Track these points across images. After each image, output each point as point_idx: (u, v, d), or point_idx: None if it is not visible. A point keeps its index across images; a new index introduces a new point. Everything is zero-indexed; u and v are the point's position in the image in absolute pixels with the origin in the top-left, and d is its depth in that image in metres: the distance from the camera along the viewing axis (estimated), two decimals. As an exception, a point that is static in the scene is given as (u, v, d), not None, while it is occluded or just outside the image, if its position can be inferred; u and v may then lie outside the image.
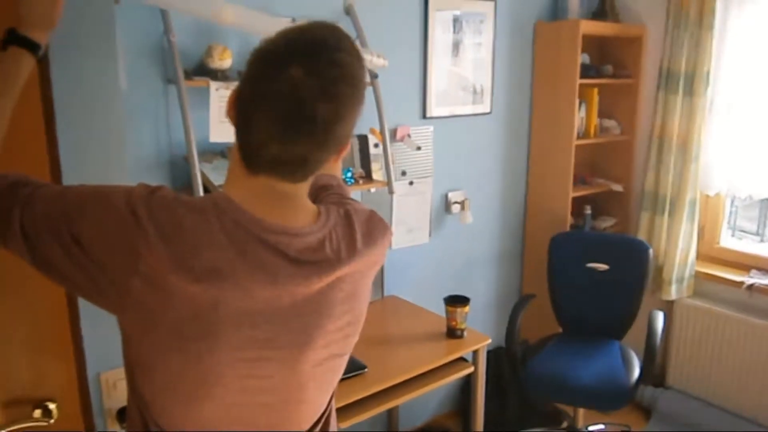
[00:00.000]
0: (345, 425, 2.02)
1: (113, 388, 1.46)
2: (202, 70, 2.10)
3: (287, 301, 1.00)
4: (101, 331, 1.40)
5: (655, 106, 3.23)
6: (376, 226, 1.15)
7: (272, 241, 0.97)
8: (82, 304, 1.37)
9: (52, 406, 1.36)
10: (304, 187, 1.05)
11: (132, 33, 2.03)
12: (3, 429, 1.30)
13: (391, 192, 2.48)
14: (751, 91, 2.99)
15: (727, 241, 3.38)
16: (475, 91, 3.09)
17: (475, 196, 3.21)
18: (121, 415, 1.47)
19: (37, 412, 1.35)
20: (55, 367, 1.37)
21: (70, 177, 1.31)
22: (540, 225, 3.42)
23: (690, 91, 3.07)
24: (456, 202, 3.11)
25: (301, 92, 0.91)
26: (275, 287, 0.98)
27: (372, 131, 2.56)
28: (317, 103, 0.91)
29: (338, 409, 1.97)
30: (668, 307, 3.31)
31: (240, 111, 0.98)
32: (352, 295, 1.14)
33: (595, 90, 3.29)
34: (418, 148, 2.89)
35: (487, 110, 3.16)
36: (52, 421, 1.36)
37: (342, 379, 2.07)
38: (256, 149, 0.97)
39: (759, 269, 3.17)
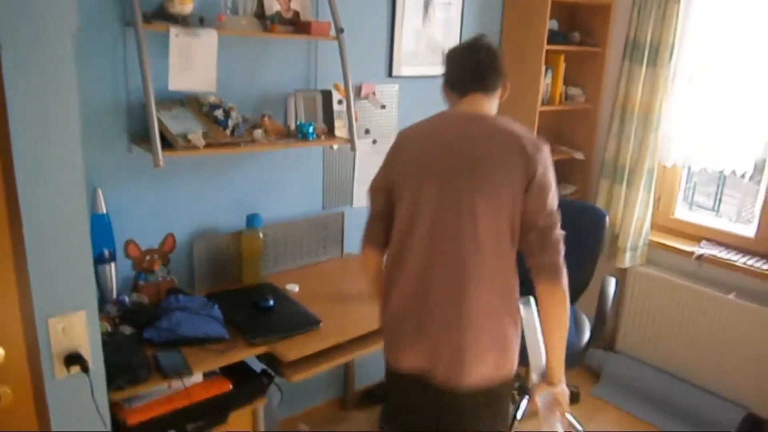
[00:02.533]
0: (300, 377, 2.04)
1: (62, 333, 1.43)
2: (162, 14, 2.03)
3: None
4: (50, 272, 1.38)
5: (619, 76, 3.26)
6: None
7: None
8: (30, 244, 1.34)
9: (-3, 349, 1.35)
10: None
11: (88, -29, 1.96)
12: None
13: (353, 149, 2.47)
14: (712, 65, 3.03)
15: (682, 213, 3.47)
16: (443, 52, 3.05)
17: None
18: (70, 360, 1.46)
19: (-19, 353, 1.33)
20: (1, 310, 1.34)
21: (18, 122, 1.26)
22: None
23: (654, 62, 3.10)
24: (419, 163, 3.10)
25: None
26: None
27: (336, 87, 2.53)
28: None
29: (294, 362, 2.00)
30: (621, 275, 3.40)
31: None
32: None
33: (562, 57, 3.30)
34: (383, 107, 2.87)
35: (454, 72, 3.14)
36: (-3, 363, 1.34)
37: (297, 333, 2.10)
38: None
39: (709, 240, 3.26)
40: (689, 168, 3.33)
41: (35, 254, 1.35)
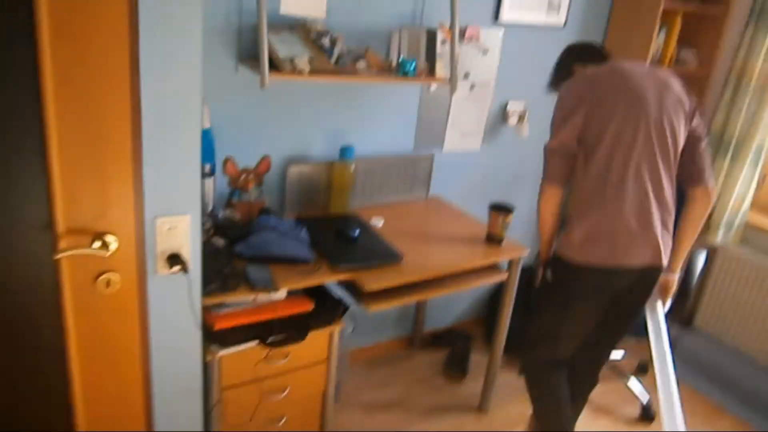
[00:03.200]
0: (378, 308, 2.09)
1: (167, 233, 1.53)
2: (281, -63, 2.05)
3: None
4: (162, 176, 1.47)
5: (740, 42, 3.06)
6: None
7: None
8: (147, 148, 1.42)
9: (110, 239, 1.45)
10: None
11: None
12: (64, 252, 1.39)
13: (453, 90, 2.45)
14: None
15: (787, 194, 3.28)
16: (550, 3, 2.95)
17: (535, 110, 3.14)
18: (172, 260, 1.55)
19: (97, 244, 1.44)
20: (117, 205, 1.44)
21: (146, 25, 1.32)
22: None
23: (782, 29, 2.88)
24: (514, 113, 3.05)
25: None
26: None
27: (441, 27, 2.50)
28: None
29: (373, 293, 2.05)
30: (712, 251, 3.27)
31: None
32: None
33: (679, 16, 3.12)
34: (485, 52, 2.82)
35: (562, 22, 3.03)
36: (108, 254, 1.45)
37: (379, 265, 2.15)
38: None
39: (814, 226, 3.08)
40: (803, 148, 3.12)
41: (151, 159, 1.44)
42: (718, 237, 3.19)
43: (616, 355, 3.22)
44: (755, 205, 3.23)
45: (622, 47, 3.15)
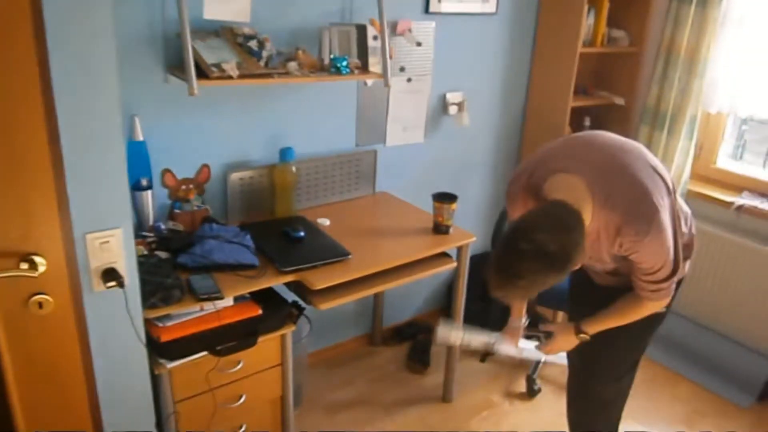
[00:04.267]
0: (327, 305, 2.09)
1: (99, 248, 1.50)
2: (198, -58, 2.03)
3: None
4: (88, 192, 1.44)
5: (665, 18, 3.14)
6: None
7: None
8: (69, 164, 1.39)
9: (38, 259, 1.41)
10: None
11: None
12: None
13: (386, 85, 2.45)
14: (766, 3, 2.89)
15: (725, 162, 3.37)
16: (482, -10, 2.99)
17: (474, 98, 3.18)
18: (107, 275, 1.52)
19: (24, 265, 1.40)
20: (42, 224, 1.41)
21: (56, 42, 1.30)
22: (538, 133, 3.40)
23: (704, 2, 2.97)
24: (454, 104, 3.08)
25: None
26: None
27: (372, 22, 2.50)
28: None
29: (322, 291, 2.05)
30: (657, 223, 3.34)
31: None
32: None
33: (606, -4, 3.19)
34: (418, 44, 2.84)
35: (493, 10, 3.07)
36: (37, 274, 1.41)
37: (326, 263, 2.15)
38: None
39: (751, 191, 3.18)
40: (735, 115, 3.22)
41: (75, 175, 1.41)
42: (662, 209, 3.27)
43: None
44: (695, 174, 3.32)
45: (555, 32, 3.21)
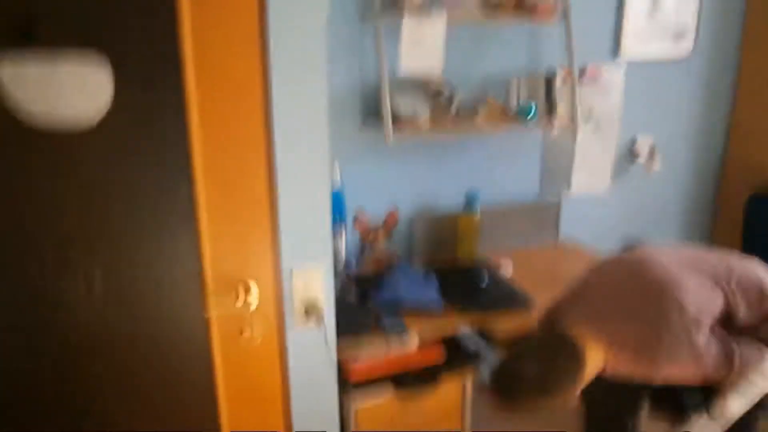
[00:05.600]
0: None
1: (303, 285, 1.62)
2: (396, 5, 2.18)
3: None
4: (297, 229, 1.57)
5: None
6: None
7: None
8: (282, 204, 1.54)
9: (252, 291, 1.56)
10: None
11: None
12: (213, 311, 1.52)
13: (575, 132, 2.42)
14: None
15: None
16: (675, 31, 2.86)
17: (665, 145, 3.02)
18: (309, 311, 1.64)
19: (240, 300, 1.55)
20: (258, 258, 1.56)
21: (279, 97, 1.46)
22: (740, 183, 3.13)
23: None
24: (643, 150, 2.95)
25: None
26: None
27: (560, 69, 2.50)
28: None
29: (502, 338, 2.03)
30: None
31: None
32: None
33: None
34: (607, 90, 2.77)
35: (688, 52, 2.92)
36: (252, 307, 1.56)
37: (509, 310, 2.14)
38: None
39: None
40: None
41: (286, 212, 1.55)
42: None
43: None
44: None
45: (762, 73, 2.96)
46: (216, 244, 1.51)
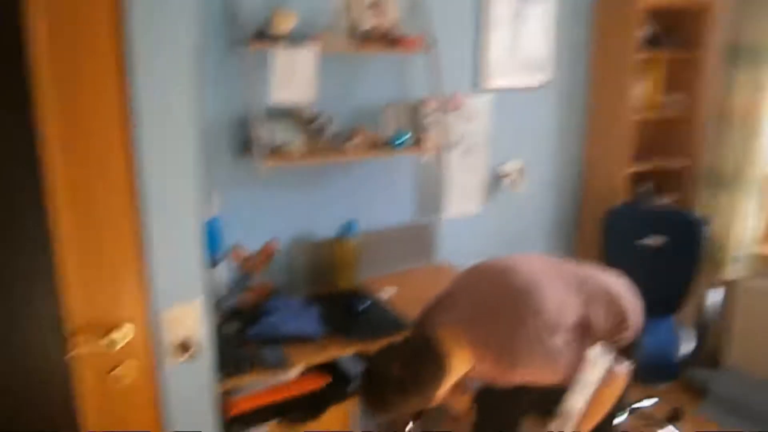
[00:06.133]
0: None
1: (177, 320, 1.57)
2: (266, 34, 2.19)
3: None
4: (168, 265, 1.53)
5: (720, 81, 3.14)
6: None
7: None
8: (152, 241, 1.49)
9: (121, 331, 1.49)
10: None
11: (201, -2, 2.15)
12: (77, 351, 1.44)
13: (444, 158, 2.53)
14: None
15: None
16: (533, 62, 3.08)
17: (530, 167, 3.22)
18: (184, 347, 1.59)
19: (108, 338, 1.48)
20: (126, 297, 1.50)
21: (144, 128, 1.42)
22: (596, 199, 3.39)
23: (757, 65, 2.97)
24: (510, 172, 3.13)
25: None
26: None
27: (427, 98, 2.61)
28: None
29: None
30: (729, 287, 3.24)
31: None
32: None
33: (659, 63, 3.23)
34: (473, 117, 2.92)
35: (545, 81, 3.15)
36: (119, 346, 1.49)
37: (390, 335, 2.17)
38: None
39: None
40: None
41: (156, 250, 1.50)
42: (732, 272, 3.18)
43: (647, 402, 3.15)
44: (764, 235, 3.23)
45: (609, 98, 3.25)
46: (81, 286, 1.43)
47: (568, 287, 1.83)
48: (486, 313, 1.75)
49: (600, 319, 1.84)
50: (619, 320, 1.88)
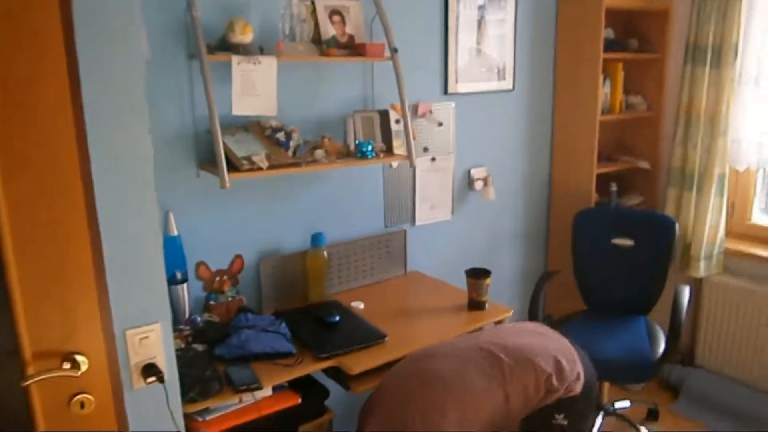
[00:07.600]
0: (366, 388, 2.05)
1: (139, 344, 1.51)
2: (225, 45, 2.14)
3: None
4: (127, 289, 1.46)
5: (681, 81, 3.18)
6: None
7: None
8: (109, 263, 1.43)
9: (80, 358, 1.43)
10: None
11: (155, 10, 2.09)
12: (34, 378, 1.36)
13: (411, 166, 2.50)
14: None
15: (760, 218, 3.32)
16: (497, 68, 3.08)
17: (498, 172, 3.21)
18: (147, 371, 1.53)
19: (66, 365, 1.41)
20: (84, 323, 1.43)
21: (96, 147, 1.35)
22: (565, 202, 3.40)
23: (717, 64, 3.01)
24: (479, 179, 3.11)
25: None
26: None
27: (393, 106, 2.58)
28: None
29: (358, 375, 2.02)
30: (697, 285, 3.27)
31: None
32: None
33: (620, 65, 3.26)
34: (440, 124, 2.91)
35: (510, 87, 3.15)
36: (80, 373, 1.42)
37: (363, 347, 2.13)
38: None
39: (791, 245, 3.11)
40: (765, 170, 3.20)
41: (113, 272, 1.44)
42: (700, 270, 3.20)
43: (623, 404, 3.15)
44: (730, 232, 3.27)
45: (573, 101, 3.27)
46: (36, 312, 1.36)
47: (484, 379, 1.84)
48: (401, 415, 1.79)
49: (525, 392, 1.88)
50: (548, 384, 1.91)
